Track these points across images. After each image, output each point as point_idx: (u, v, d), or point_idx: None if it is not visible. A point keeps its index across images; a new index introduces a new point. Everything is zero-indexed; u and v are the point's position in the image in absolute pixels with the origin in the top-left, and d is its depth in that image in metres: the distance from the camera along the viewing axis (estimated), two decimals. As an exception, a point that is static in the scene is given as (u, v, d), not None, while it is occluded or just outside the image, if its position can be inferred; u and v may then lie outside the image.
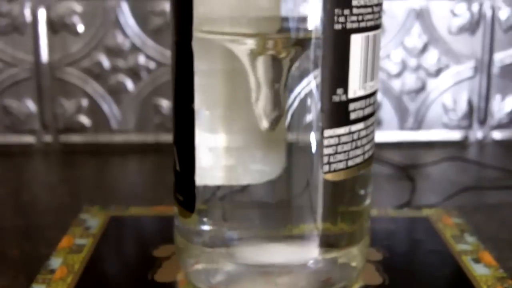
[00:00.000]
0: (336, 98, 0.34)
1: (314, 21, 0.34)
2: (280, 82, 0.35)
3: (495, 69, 0.75)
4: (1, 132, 0.73)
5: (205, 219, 0.38)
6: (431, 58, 0.74)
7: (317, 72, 0.34)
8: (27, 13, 0.71)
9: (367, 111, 0.36)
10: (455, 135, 0.76)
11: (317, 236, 0.37)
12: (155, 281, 0.40)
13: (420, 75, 0.74)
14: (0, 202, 0.58)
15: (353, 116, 0.35)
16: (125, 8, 0.71)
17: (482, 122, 0.76)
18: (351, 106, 0.35)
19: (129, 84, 0.73)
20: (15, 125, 0.73)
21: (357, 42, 0.34)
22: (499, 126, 0.76)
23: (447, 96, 0.75)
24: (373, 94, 0.36)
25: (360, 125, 0.36)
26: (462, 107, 0.75)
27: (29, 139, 0.74)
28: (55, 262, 0.42)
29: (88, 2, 0.71)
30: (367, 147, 0.37)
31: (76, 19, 0.71)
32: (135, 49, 0.72)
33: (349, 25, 0.33)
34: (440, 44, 0.74)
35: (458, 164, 0.68)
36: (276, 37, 0.35)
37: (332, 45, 0.33)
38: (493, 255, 0.45)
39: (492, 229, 0.52)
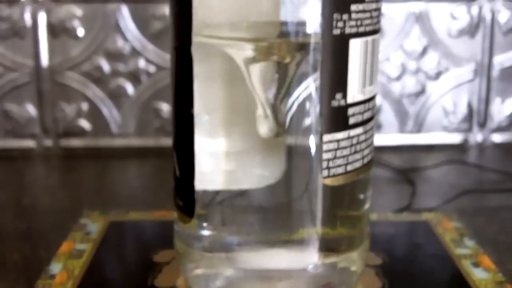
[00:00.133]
0: (335, 103, 0.34)
1: (313, 26, 0.34)
2: (279, 87, 0.35)
3: (495, 72, 0.75)
4: (1, 137, 0.73)
5: (204, 224, 0.38)
6: (431, 61, 0.74)
7: (316, 76, 0.34)
8: (27, 17, 0.71)
9: (366, 115, 0.36)
10: (455, 138, 0.76)
11: (317, 240, 0.37)
12: (155, 286, 0.40)
13: (419, 78, 0.74)
14: (0, 206, 0.58)
15: (352, 120, 0.35)
16: (125, 12, 0.71)
17: (482, 125, 0.76)
18: (350, 110, 0.35)
19: (129, 88, 0.73)
20: (15, 130, 0.73)
21: (356, 47, 0.34)
22: (499, 129, 0.76)
23: (447, 99, 0.75)
24: (372, 98, 0.36)
25: (359, 130, 0.36)
26: (462, 110, 0.76)
27: (29, 143, 0.74)
28: (55, 267, 0.42)
29: (88, 6, 0.71)
30: (366, 152, 0.37)
31: (76, 23, 0.71)
32: (135, 53, 0.72)
33: (347, 30, 0.33)
34: (439, 47, 0.74)
35: (458, 167, 0.68)
36: (275, 42, 0.35)
37: (331, 50, 0.33)
38: (493, 258, 0.45)
39: (492, 232, 0.52)
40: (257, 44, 0.35)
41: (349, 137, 0.35)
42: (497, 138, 0.76)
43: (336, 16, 0.33)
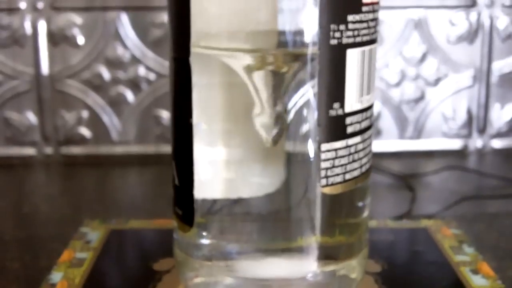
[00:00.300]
0: (332, 112, 0.34)
1: (311, 36, 0.34)
2: (278, 97, 0.36)
3: (494, 78, 0.75)
4: (2, 144, 0.74)
5: (204, 233, 0.38)
6: (430, 67, 0.74)
7: (314, 85, 0.34)
8: (27, 25, 0.71)
9: (364, 124, 0.36)
10: (455, 144, 0.76)
11: (316, 249, 0.37)
12: (155, 294, 0.40)
13: (419, 84, 0.75)
14: (1, 214, 0.58)
15: (350, 130, 0.35)
16: (125, 20, 0.71)
17: (482, 131, 0.76)
18: (348, 120, 0.35)
19: (129, 96, 0.73)
20: (16, 137, 0.73)
21: (353, 57, 0.34)
22: (499, 135, 0.76)
23: (447, 105, 0.75)
24: (369, 107, 0.36)
25: (357, 139, 0.36)
26: (462, 116, 0.76)
27: (29, 151, 0.74)
28: (56, 276, 0.42)
29: (88, 14, 0.71)
30: (364, 160, 0.37)
31: (76, 31, 0.71)
32: (135, 60, 0.72)
33: (345, 40, 0.34)
34: (439, 53, 0.74)
35: (457, 173, 0.68)
36: (273, 53, 0.35)
37: (328, 60, 0.34)
38: (493, 264, 0.45)
39: (492, 238, 0.52)
40: (256, 54, 0.35)
41: (347, 146, 0.35)
42: (497, 144, 0.77)
43: (333, 26, 0.33)
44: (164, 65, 0.72)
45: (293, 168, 0.38)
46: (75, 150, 0.74)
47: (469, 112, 0.76)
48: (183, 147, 0.36)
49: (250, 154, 0.37)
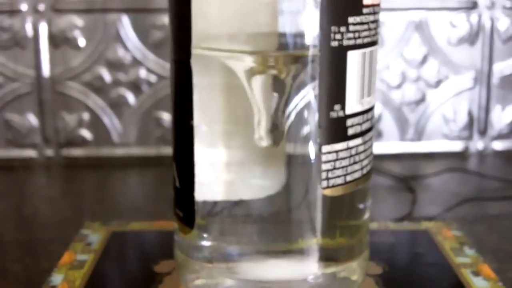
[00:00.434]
0: (333, 114, 0.34)
1: (311, 38, 0.34)
2: (279, 99, 0.36)
3: (495, 80, 0.75)
4: (2, 146, 0.74)
5: (205, 235, 0.38)
6: (431, 69, 0.74)
7: (315, 87, 0.34)
8: (29, 27, 0.71)
9: (365, 126, 0.36)
10: (456, 146, 0.76)
11: (317, 250, 0.37)
12: (155, 296, 0.40)
13: (420, 86, 0.75)
14: (1, 216, 0.58)
15: (350, 131, 0.35)
16: (125, 22, 0.72)
17: (483, 132, 0.76)
18: (349, 122, 0.35)
19: (130, 98, 0.73)
20: (16, 139, 0.73)
21: (354, 58, 0.34)
22: (500, 137, 0.76)
23: (447, 107, 0.75)
24: (370, 109, 0.36)
25: (358, 141, 0.36)
26: (462, 118, 0.76)
27: (30, 153, 0.74)
28: (57, 278, 0.42)
29: (89, 16, 0.71)
30: (365, 162, 0.37)
31: (77, 33, 0.72)
32: (136, 62, 0.72)
33: (345, 42, 0.34)
34: (439, 55, 0.74)
35: (458, 175, 0.68)
36: (273, 54, 0.35)
37: (329, 62, 0.33)
38: (494, 266, 0.45)
39: (492, 240, 0.52)
40: (256, 56, 0.35)
41: (348, 148, 0.35)
42: (498, 145, 0.77)
43: (334, 28, 0.33)
44: (165, 67, 0.72)
45: (294, 170, 0.37)
46: (76, 152, 0.74)
47: (470, 114, 0.76)
48: (184, 149, 0.36)
49: (251, 156, 0.37)
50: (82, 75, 0.72)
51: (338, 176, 0.35)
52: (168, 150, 0.73)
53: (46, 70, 0.72)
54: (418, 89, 0.75)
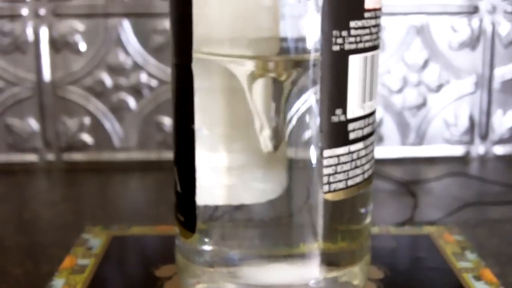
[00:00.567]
0: (335, 119, 0.34)
1: (313, 42, 0.34)
2: (279, 103, 0.36)
3: (496, 84, 0.75)
4: (4, 151, 0.74)
5: (206, 239, 0.38)
6: (432, 73, 0.74)
7: (316, 91, 0.34)
8: (29, 32, 0.71)
9: (366, 130, 0.36)
10: (457, 151, 0.76)
11: (318, 255, 0.37)
12: (157, 301, 0.40)
13: (421, 91, 0.75)
14: (2, 221, 0.58)
15: (352, 136, 0.35)
16: (127, 26, 0.72)
17: (484, 137, 0.76)
18: (350, 126, 0.35)
19: (131, 102, 0.73)
20: (17, 144, 0.73)
21: (355, 63, 0.34)
22: (501, 141, 0.76)
23: (448, 112, 0.75)
24: (372, 113, 0.36)
25: (359, 145, 0.36)
26: (464, 122, 0.76)
27: (31, 157, 0.74)
28: (58, 282, 0.42)
29: (90, 21, 0.71)
30: (366, 167, 0.37)
31: (78, 37, 0.72)
32: (137, 67, 0.72)
33: (347, 46, 0.34)
34: (440, 59, 0.74)
35: (460, 180, 0.68)
36: (274, 59, 0.35)
37: (331, 66, 0.33)
38: (495, 270, 0.45)
39: (494, 244, 0.52)
40: (258, 61, 0.35)
41: (349, 152, 0.35)
42: (499, 150, 0.77)
43: (335, 32, 0.33)
44: (166, 71, 0.72)
45: (295, 174, 0.37)
46: (77, 156, 0.74)
47: (471, 119, 0.76)
48: (185, 153, 0.36)
49: (252, 160, 0.37)
50: (83, 80, 0.72)
51: (340, 181, 0.35)
52: (169, 155, 0.73)
53: (47, 75, 0.72)
54: (419, 94, 0.75)
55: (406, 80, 0.74)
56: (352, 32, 0.33)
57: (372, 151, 0.37)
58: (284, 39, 0.35)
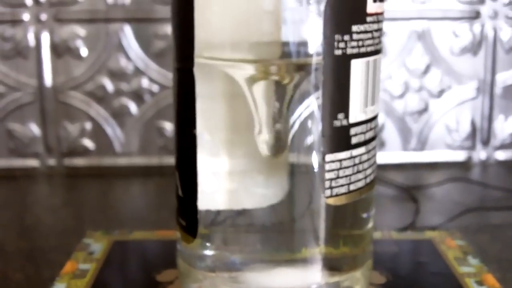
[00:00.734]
0: (337, 123, 0.34)
1: (315, 47, 0.34)
2: (281, 108, 0.36)
3: (498, 90, 0.75)
4: (5, 156, 0.74)
5: (207, 244, 0.38)
6: (434, 79, 0.74)
7: (318, 96, 0.34)
8: (31, 37, 0.71)
9: (368, 135, 0.36)
10: (459, 156, 0.76)
11: (320, 260, 0.37)
12: (158, 306, 0.40)
13: (422, 96, 0.74)
14: (4, 226, 0.58)
15: (354, 140, 0.35)
16: (128, 31, 0.72)
17: (485, 142, 0.76)
18: (352, 130, 0.35)
19: (133, 107, 0.73)
20: (19, 149, 0.73)
21: (357, 67, 0.34)
22: (503, 147, 0.76)
23: (450, 117, 0.75)
24: (374, 118, 0.36)
25: (361, 150, 0.36)
26: (465, 127, 0.76)
27: (33, 162, 0.74)
28: (59, 287, 0.42)
29: (91, 26, 0.71)
30: (368, 171, 0.37)
31: (79, 42, 0.72)
32: (138, 72, 0.72)
33: (349, 51, 0.33)
34: (442, 65, 0.74)
35: (461, 185, 0.68)
36: (276, 63, 0.35)
37: (333, 71, 0.33)
38: (497, 275, 0.44)
39: (496, 249, 0.52)
40: (259, 65, 0.35)
41: (351, 157, 0.35)
42: (501, 155, 0.76)
43: (337, 36, 0.33)
44: (167, 76, 0.72)
45: (297, 179, 0.37)
46: (78, 161, 0.74)
47: (472, 124, 0.76)
48: (187, 157, 0.36)
49: (254, 165, 0.37)
50: (84, 85, 0.72)
51: (342, 185, 0.35)
52: (170, 160, 0.73)
53: (48, 80, 0.72)
54: (421, 99, 0.75)
55: (408, 85, 0.74)
56: (354, 36, 0.33)
57: (374, 155, 0.37)
58: (286, 43, 0.35)
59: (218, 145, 0.37)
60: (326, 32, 0.33)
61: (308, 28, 0.35)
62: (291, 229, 0.37)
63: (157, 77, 0.72)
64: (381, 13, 0.36)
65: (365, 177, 0.36)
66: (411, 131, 0.75)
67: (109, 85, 0.72)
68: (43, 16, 0.71)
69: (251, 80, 0.35)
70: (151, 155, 0.74)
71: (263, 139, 0.36)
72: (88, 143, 0.74)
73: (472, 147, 0.76)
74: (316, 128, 0.35)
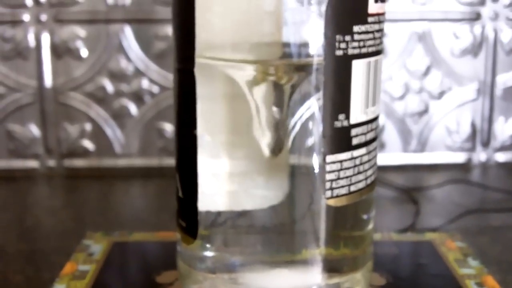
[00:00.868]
0: (338, 124, 0.34)
1: (316, 47, 0.34)
2: (282, 108, 0.35)
3: (498, 91, 0.75)
4: (5, 157, 0.73)
5: (208, 245, 0.38)
6: (434, 80, 0.74)
7: (319, 96, 0.34)
8: (31, 38, 0.71)
9: (369, 136, 0.36)
10: (459, 158, 0.76)
11: (320, 261, 0.37)
12: (158, 307, 0.40)
13: (423, 98, 0.74)
14: (3, 227, 0.58)
15: (355, 141, 0.35)
16: (128, 32, 0.72)
17: (486, 144, 0.76)
18: (353, 131, 0.35)
19: (133, 108, 0.73)
20: (19, 150, 0.73)
21: (358, 68, 0.34)
22: (503, 148, 0.76)
23: (450, 119, 0.75)
24: (375, 119, 0.36)
25: (362, 151, 0.36)
26: (465, 129, 0.76)
27: (32, 163, 0.74)
28: (58, 288, 0.42)
29: (91, 27, 0.71)
30: (369, 172, 0.37)
31: (79, 43, 0.72)
32: (138, 73, 0.72)
33: (350, 51, 0.33)
34: (442, 66, 0.74)
35: (461, 187, 0.68)
36: (276, 64, 0.35)
37: (334, 71, 0.33)
38: (497, 277, 0.44)
39: (496, 251, 0.52)
40: (260, 66, 0.35)
41: (352, 158, 0.35)
42: (501, 157, 0.76)
43: (338, 37, 0.33)
44: (167, 77, 0.72)
45: (298, 180, 0.37)
46: (78, 162, 0.74)
47: (473, 126, 0.76)
48: (187, 158, 0.36)
49: (254, 166, 0.37)
50: (85, 86, 0.72)
51: (342, 186, 0.35)
52: (170, 161, 0.73)
53: (48, 81, 0.72)
54: (421, 100, 0.74)
55: (408, 87, 0.74)
56: (356, 36, 0.33)
57: (375, 156, 0.37)
58: (286, 44, 0.35)
59: (219, 146, 0.37)
60: (327, 32, 0.33)
61: (309, 29, 0.34)
62: (291, 230, 0.37)
63: (157, 78, 0.72)
64: (383, 14, 0.35)
65: (366, 178, 0.36)
66: (411, 133, 0.75)
67: (109, 86, 0.72)
68: (43, 17, 0.71)
69: (252, 81, 0.35)
70: (151, 156, 0.74)
71: (264, 140, 0.36)
72: (88, 144, 0.74)
73: (472, 149, 0.76)
74: (317, 129, 0.35)
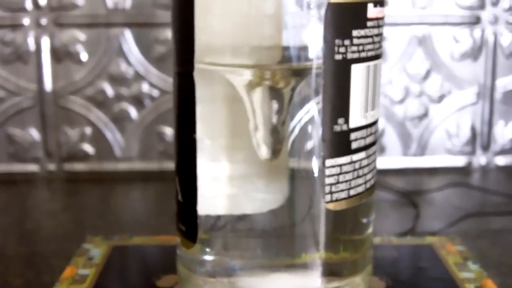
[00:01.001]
0: (337, 128, 0.34)
1: (315, 51, 0.34)
2: (281, 112, 0.35)
3: (498, 95, 0.75)
4: (5, 161, 0.73)
5: (207, 249, 0.38)
6: (434, 84, 0.74)
7: (318, 100, 0.34)
8: (31, 41, 0.71)
9: (369, 140, 0.36)
10: (459, 161, 0.76)
11: (320, 265, 0.37)
12: (158, 311, 0.40)
13: (423, 101, 0.74)
14: (3, 230, 0.58)
15: (354, 145, 0.35)
16: (128, 36, 0.72)
17: (486, 148, 0.76)
18: (353, 135, 0.35)
19: (133, 112, 0.73)
20: (18, 154, 0.73)
21: (357, 72, 0.34)
22: (503, 152, 0.76)
23: (450, 122, 0.75)
24: (374, 123, 0.36)
25: (361, 155, 0.36)
26: (465, 133, 0.76)
27: (32, 167, 0.74)
28: (58, 292, 0.42)
29: (91, 31, 0.71)
30: (369, 176, 0.37)
31: (79, 47, 0.72)
32: (138, 77, 0.72)
33: (349, 56, 0.33)
34: (442, 70, 0.74)
35: (461, 190, 0.68)
36: (275, 68, 0.35)
37: (333, 76, 0.33)
38: (497, 281, 0.44)
39: (496, 255, 0.52)
40: (257, 70, 0.35)
41: (351, 162, 0.35)
42: (501, 160, 0.76)
43: (338, 41, 0.33)
44: (167, 81, 0.72)
45: (297, 184, 0.37)
46: (78, 166, 0.74)
47: (473, 129, 0.76)
48: (187, 162, 0.36)
49: (254, 170, 0.37)
50: (85, 90, 0.72)
51: (342, 190, 0.35)
52: (170, 165, 0.73)
53: (48, 84, 0.72)
54: (421, 104, 0.75)
55: (408, 90, 0.74)
56: (355, 41, 0.33)
57: (374, 160, 0.37)
58: (286, 48, 0.35)
59: (218, 150, 0.37)
60: (326, 36, 0.33)
61: (309, 33, 0.35)
62: (291, 234, 0.37)
63: (157, 82, 0.72)
64: (382, 18, 0.35)
65: (365, 182, 0.36)
66: (411, 136, 0.75)
67: (109, 90, 0.72)
68: (43, 21, 0.71)
69: (249, 85, 0.35)
70: (151, 160, 0.74)
71: (262, 143, 0.36)
72: (88, 148, 0.74)
73: (472, 152, 0.76)
74: (316, 133, 0.35)
